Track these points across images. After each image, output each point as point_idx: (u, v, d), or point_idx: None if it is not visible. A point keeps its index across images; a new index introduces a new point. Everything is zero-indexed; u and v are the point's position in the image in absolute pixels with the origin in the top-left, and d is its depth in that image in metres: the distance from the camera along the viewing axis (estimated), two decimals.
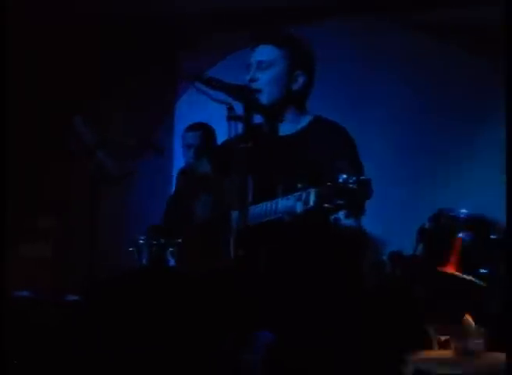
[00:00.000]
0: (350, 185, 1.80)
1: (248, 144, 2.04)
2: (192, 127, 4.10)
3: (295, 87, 2.42)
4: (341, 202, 1.81)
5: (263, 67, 2.38)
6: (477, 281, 3.09)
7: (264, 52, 2.41)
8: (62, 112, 3.74)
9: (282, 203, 2.06)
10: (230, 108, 2.05)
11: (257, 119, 2.44)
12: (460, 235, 3.21)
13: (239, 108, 2.07)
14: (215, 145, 3.62)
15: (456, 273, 3.14)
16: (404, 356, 2.27)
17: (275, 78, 2.38)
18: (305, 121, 2.45)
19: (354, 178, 1.80)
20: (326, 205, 1.84)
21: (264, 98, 2.37)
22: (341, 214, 1.87)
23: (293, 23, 4.28)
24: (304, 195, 1.95)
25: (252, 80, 2.38)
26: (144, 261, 3.63)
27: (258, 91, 2.35)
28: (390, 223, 4.04)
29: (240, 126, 2.07)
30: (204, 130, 4.03)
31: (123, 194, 3.78)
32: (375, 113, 4.25)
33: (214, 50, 4.69)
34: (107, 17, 4.69)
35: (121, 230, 4.03)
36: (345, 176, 1.81)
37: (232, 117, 2.05)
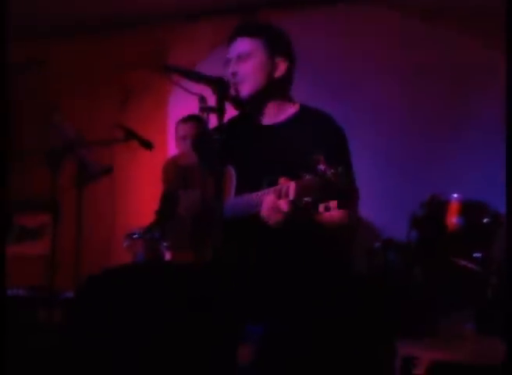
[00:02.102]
0: (329, 177, 1.78)
1: (222, 136, 2.02)
2: (186, 119, 3.98)
3: (277, 74, 2.38)
4: (320, 195, 1.80)
5: (242, 59, 2.35)
6: (470, 265, 3.09)
7: (242, 44, 2.37)
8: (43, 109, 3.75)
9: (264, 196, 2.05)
10: (202, 100, 2.03)
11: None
12: (453, 220, 3.21)
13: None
14: (197, 137, 3.59)
15: (450, 258, 3.14)
16: (394, 342, 2.27)
17: (256, 68, 2.34)
18: (290, 111, 2.41)
19: (333, 170, 1.79)
20: (305, 198, 1.83)
21: (246, 89, 2.34)
22: (321, 206, 1.85)
23: (277, 13, 4.32)
24: (284, 188, 1.94)
25: (234, 73, 2.35)
26: (139, 255, 3.65)
27: (240, 82, 2.33)
28: (383, 209, 4.03)
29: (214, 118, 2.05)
30: (198, 122, 3.89)
31: (116, 189, 3.79)
32: (366, 101, 4.23)
33: (204, 43, 4.70)
34: (94, 14, 4.72)
35: (115, 225, 4.04)
36: (324, 167, 1.79)
37: (204, 108, 2.03)
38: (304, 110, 2.41)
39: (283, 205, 1.94)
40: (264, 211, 2.03)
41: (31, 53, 4.95)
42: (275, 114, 2.41)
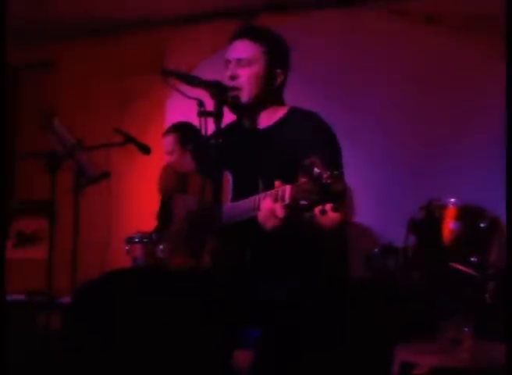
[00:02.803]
0: (324, 180, 1.78)
1: (219, 140, 2.03)
2: (167, 131, 3.92)
3: (275, 85, 2.42)
4: (316, 198, 1.80)
5: (243, 64, 2.36)
6: (468, 270, 3.08)
7: (244, 48, 2.38)
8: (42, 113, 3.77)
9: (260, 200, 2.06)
10: (200, 104, 2.03)
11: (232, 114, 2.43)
12: (451, 224, 3.21)
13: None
14: (195, 142, 3.56)
15: (448, 263, 3.13)
16: (393, 348, 2.26)
17: (255, 76, 2.36)
18: (280, 113, 2.43)
19: (328, 173, 1.79)
20: (302, 201, 1.83)
21: (244, 96, 2.35)
22: (317, 209, 1.85)
23: (277, 17, 4.34)
24: (279, 192, 1.94)
25: (233, 77, 2.36)
26: (139, 260, 3.65)
27: (238, 88, 2.34)
28: (382, 215, 4.04)
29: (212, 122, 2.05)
30: (180, 132, 3.83)
31: (113, 193, 3.79)
32: (363, 104, 4.24)
33: (202, 47, 4.71)
34: (93, 18, 4.74)
35: (112, 229, 4.03)
36: (319, 170, 1.80)
37: (202, 113, 2.04)
38: (293, 111, 2.44)
39: (278, 209, 1.95)
40: (261, 216, 2.04)
41: (30, 57, 4.97)
42: (267, 118, 2.43)
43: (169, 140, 3.85)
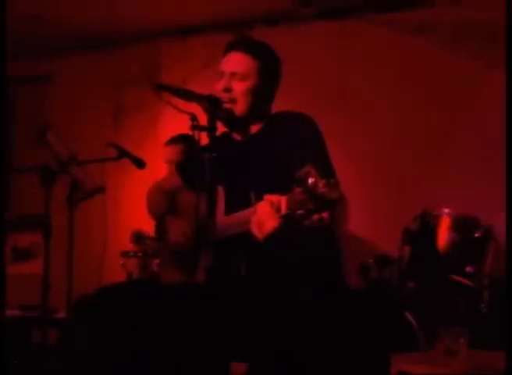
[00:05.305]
0: (319, 189, 1.79)
1: (213, 154, 2.03)
2: (171, 141, 3.89)
3: (266, 99, 2.44)
4: (312, 207, 1.81)
5: (237, 78, 2.37)
6: (463, 280, 3.09)
7: (239, 62, 2.38)
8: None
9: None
10: (193, 118, 2.04)
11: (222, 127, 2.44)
12: (445, 234, 3.22)
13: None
14: (183, 159, 3.52)
15: (443, 273, 3.14)
16: (388, 358, 2.27)
17: (248, 90, 2.37)
18: (265, 120, 2.44)
19: (323, 181, 1.80)
20: (299, 211, 1.83)
21: (237, 109, 2.36)
22: (315, 217, 1.85)
23: (267, 27, 4.38)
24: (275, 203, 1.95)
25: (227, 89, 2.37)
26: (134, 273, 3.66)
27: (232, 101, 2.35)
28: (376, 224, 4.04)
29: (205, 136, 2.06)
30: (181, 144, 3.81)
31: (107, 208, 3.80)
32: (356, 114, 4.25)
33: (196, 61, 4.73)
34: (87, 32, 4.77)
35: (107, 244, 4.02)
36: (314, 179, 1.80)
37: (195, 127, 2.04)
38: (273, 116, 2.45)
39: (271, 220, 1.96)
40: (255, 220, 2.04)
41: (24, 71, 4.99)
42: (251, 129, 2.44)
43: (171, 148, 3.82)
